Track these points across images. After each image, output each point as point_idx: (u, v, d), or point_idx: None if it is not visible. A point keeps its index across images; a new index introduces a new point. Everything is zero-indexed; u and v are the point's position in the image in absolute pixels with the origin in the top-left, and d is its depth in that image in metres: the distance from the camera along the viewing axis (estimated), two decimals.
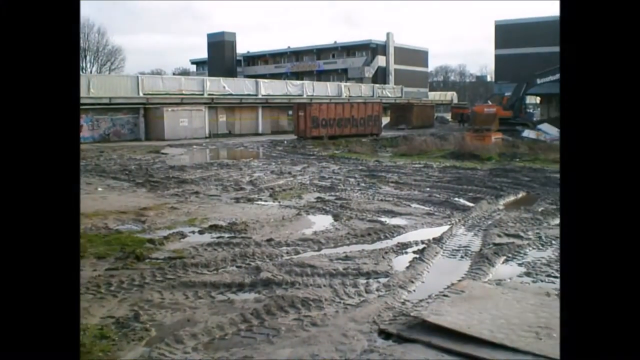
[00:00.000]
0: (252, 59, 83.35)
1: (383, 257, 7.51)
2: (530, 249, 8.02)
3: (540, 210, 10.93)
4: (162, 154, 24.70)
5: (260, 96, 42.46)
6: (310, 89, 47.74)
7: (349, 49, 74.29)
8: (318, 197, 12.40)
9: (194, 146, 29.41)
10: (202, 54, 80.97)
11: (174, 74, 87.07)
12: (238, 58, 78.72)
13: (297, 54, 78.57)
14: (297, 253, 7.76)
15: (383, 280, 6.57)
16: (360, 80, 66.60)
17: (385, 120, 45.83)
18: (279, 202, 11.97)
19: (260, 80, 45.66)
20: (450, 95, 77.93)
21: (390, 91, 58.74)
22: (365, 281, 6.53)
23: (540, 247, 8.11)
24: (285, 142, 30.97)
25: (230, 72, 68.40)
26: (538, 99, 56.74)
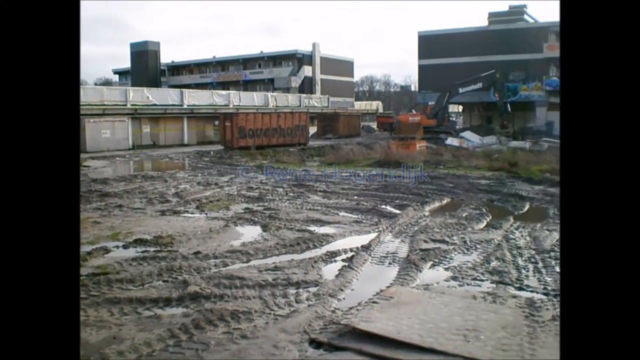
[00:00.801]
0: (176, 69, 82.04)
1: (312, 267, 7.51)
2: (456, 253, 8.21)
3: (464, 215, 11.23)
4: (84, 166, 23.89)
5: (185, 106, 41.77)
6: (237, 98, 47.39)
7: (275, 59, 74.34)
8: (246, 208, 12.29)
9: (117, 158, 28.59)
10: (125, 63, 79.04)
11: (95, 84, 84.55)
12: (162, 68, 77.27)
13: (222, 64, 77.93)
14: (226, 265, 7.65)
15: (313, 289, 6.56)
16: (287, 90, 66.74)
17: (313, 129, 46.03)
18: (206, 213, 11.79)
19: (186, 90, 44.93)
20: (376, 105, 79.16)
21: (317, 101, 59.12)
22: (295, 291, 6.50)
23: (466, 252, 8.32)
24: (212, 152, 30.60)
25: (154, 82, 66.99)
26: (460, 108, 58.51)
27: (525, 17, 68.72)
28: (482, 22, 73.83)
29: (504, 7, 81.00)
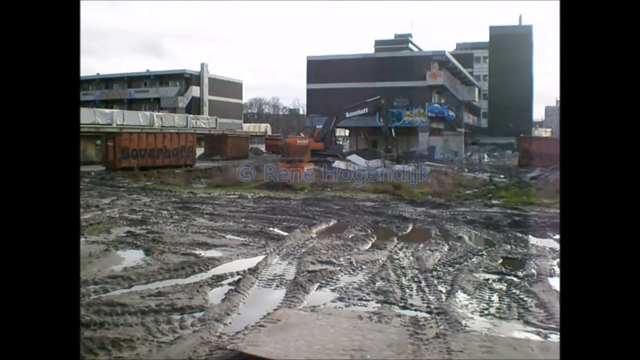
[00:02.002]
0: None
1: (198, 291, 7.30)
2: (342, 274, 8.30)
3: (350, 236, 11.41)
4: None
5: None
6: (121, 118, 45.84)
7: (162, 78, 72.74)
8: (128, 231, 11.80)
9: None
10: None
11: None
12: None
13: (106, 82, 75.22)
14: (106, 291, 7.27)
15: (198, 314, 6.38)
16: (174, 110, 65.44)
17: (200, 151, 45.34)
18: (86, 237, 11.19)
19: None
20: (265, 127, 79.42)
21: (204, 122, 58.39)
22: (179, 317, 6.29)
23: (352, 272, 8.43)
24: (93, 173, 29.28)
25: None
26: (347, 132, 59.86)
27: (410, 45, 71.75)
28: (368, 49, 76.26)
29: (390, 35, 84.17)
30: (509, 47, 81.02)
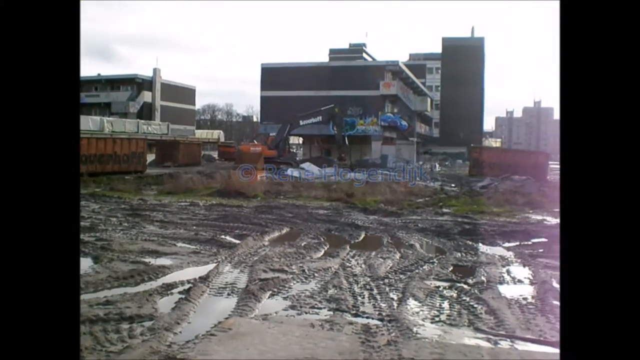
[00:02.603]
0: None
1: (147, 300, 7.15)
2: (295, 282, 8.26)
3: (303, 244, 11.38)
4: None
5: None
6: None
7: (114, 83, 71.49)
8: None
9: None
10: None
11: None
12: None
13: None
14: None
15: (147, 323, 6.23)
16: (125, 115, 64.40)
17: (151, 157, 44.65)
18: None
19: None
20: (217, 134, 78.89)
21: (156, 128, 57.64)
22: (128, 326, 6.13)
23: (304, 280, 8.40)
24: None
25: None
26: (301, 140, 59.93)
27: (364, 55, 72.40)
28: (323, 57, 76.70)
29: (344, 44, 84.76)
30: (461, 58, 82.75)
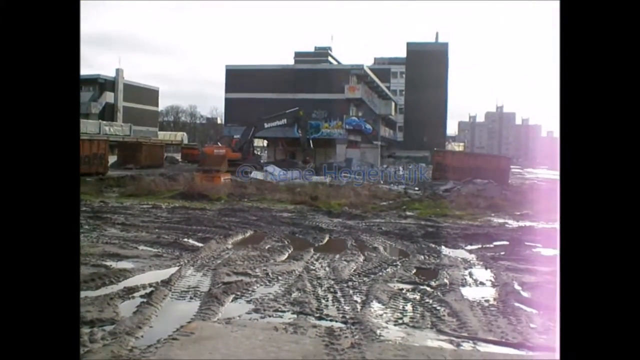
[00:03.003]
0: None
1: (108, 303, 7.02)
2: (258, 285, 8.21)
3: (267, 247, 11.33)
4: None
5: None
6: None
7: None
8: None
9: None
10: None
11: None
12: None
13: None
14: None
15: (108, 327, 6.12)
16: (87, 116, 63.19)
17: (113, 159, 43.97)
18: None
19: None
20: (181, 136, 78.19)
21: (118, 129, 56.82)
22: (89, 330, 6.00)
23: (268, 284, 8.36)
24: None
25: None
26: (265, 142, 59.77)
27: (329, 58, 72.59)
28: (288, 60, 76.68)
29: (309, 47, 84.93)
30: (425, 63, 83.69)
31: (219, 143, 42.20)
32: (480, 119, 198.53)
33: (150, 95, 77.29)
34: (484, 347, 5.90)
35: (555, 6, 2.98)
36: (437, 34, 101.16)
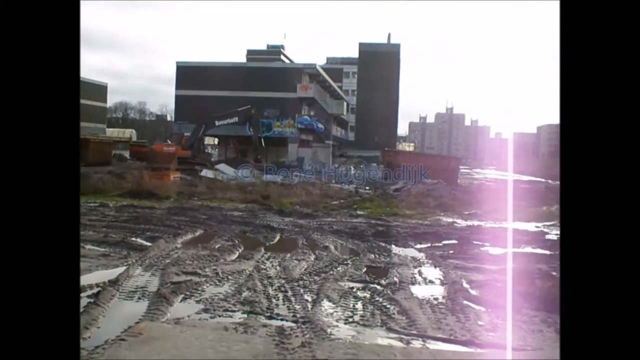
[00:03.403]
0: None
1: None
2: (208, 285, 8.13)
3: (217, 247, 11.24)
4: None
5: None
6: None
7: None
8: None
9: None
10: None
11: None
12: None
13: None
14: None
15: None
16: None
17: None
18: None
19: None
20: (130, 133, 76.78)
21: None
22: None
23: (217, 283, 8.28)
24: None
25: None
26: (216, 140, 59.24)
27: (282, 57, 72.50)
28: (241, 58, 76.16)
29: (262, 45, 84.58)
30: (377, 63, 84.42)
31: (168, 140, 41.54)
32: (431, 119, 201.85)
33: (98, 91, 75.65)
34: (433, 345, 5.98)
35: (555, 6, 3.01)
36: (389, 35, 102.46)
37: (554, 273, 8.79)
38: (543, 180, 49.55)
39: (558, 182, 46.15)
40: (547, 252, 11.99)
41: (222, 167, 34.07)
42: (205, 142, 47.48)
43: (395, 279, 8.91)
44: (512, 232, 13.89)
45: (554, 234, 14.87)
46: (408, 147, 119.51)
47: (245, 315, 6.73)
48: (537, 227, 16.30)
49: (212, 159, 43.20)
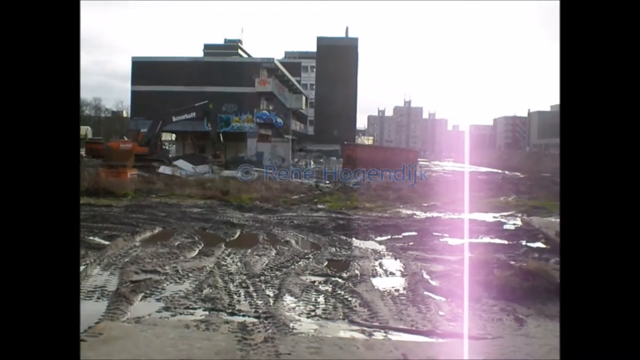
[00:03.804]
0: None
1: None
2: (168, 283, 8.04)
3: (176, 244, 11.11)
4: None
5: None
6: None
7: None
8: None
9: None
10: None
11: None
12: None
13: None
14: None
15: None
16: None
17: None
18: None
19: None
20: (85, 130, 75.13)
21: None
22: None
23: (178, 281, 8.20)
24: None
25: None
26: (174, 136, 58.50)
27: (240, 51, 71.94)
28: (198, 52, 75.32)
29: (219, 40, 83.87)
30: (335, 57, 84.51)
31: (125, 137, 40.93)
32: (389, 113, 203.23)
33: None
34: (395, 336, 6.04)
35: (555, 6, 3.03)
36: (347, 29, 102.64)
37: (512, 262, 8.97)
38: (500, 171, 50.57)
39: (514, 173, 47.16)
40: (505, 242, 12.23)
41: (180, 163, 33.71)
42: (163, 139, 46.74)
43: (357, 271, 8.96)
44: (470, 223, 14.10)
45: (511, 224, 15.20)
46: (367, 140, 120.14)
47: (207, 313, 6.69)
48: (494, 217, 16.62)
49: (170, 155, 42.57)
